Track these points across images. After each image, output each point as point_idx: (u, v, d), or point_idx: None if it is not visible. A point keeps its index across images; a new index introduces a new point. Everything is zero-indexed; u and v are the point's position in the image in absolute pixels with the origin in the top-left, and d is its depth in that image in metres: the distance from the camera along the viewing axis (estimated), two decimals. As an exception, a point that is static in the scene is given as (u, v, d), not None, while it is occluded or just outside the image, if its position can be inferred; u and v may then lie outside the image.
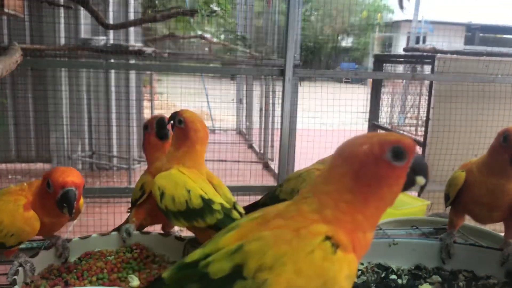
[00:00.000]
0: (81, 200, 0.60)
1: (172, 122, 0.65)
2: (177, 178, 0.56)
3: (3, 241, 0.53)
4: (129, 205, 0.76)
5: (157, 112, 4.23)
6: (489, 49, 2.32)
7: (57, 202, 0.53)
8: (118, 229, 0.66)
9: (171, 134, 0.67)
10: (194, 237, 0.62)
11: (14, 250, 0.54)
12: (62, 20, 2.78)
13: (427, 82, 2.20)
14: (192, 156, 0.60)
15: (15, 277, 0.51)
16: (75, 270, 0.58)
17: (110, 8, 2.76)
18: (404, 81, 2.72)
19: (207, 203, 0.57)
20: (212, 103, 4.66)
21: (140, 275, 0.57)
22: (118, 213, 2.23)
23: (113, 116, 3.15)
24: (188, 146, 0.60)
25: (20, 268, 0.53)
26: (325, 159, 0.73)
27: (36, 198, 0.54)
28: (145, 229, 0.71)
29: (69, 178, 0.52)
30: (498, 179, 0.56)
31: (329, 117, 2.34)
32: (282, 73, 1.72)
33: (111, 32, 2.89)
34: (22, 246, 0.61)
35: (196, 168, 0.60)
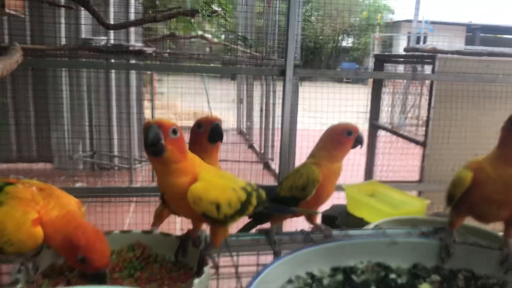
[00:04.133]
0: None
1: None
2: (216, 184, 0.54)
3: (3, 246, 0.51)
4: (130, 205, 0.76)
5: (158, 112, 4.22)
6: (489, 49, 2.32)
7: (83, 275, 0.53)
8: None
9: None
10: (187, 235, 0.61)
11: None
12: (62, 20, 2.78)
13: (427, 82, 2.20)
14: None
15: (18, 275, 0.51)
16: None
17: (111, 8, 2.76)
18: (405, 81, 2.71)
19: (245, 189, 0.57)
20: (212, 103, 4.66)
21: (142, 274, 0.58)
22: (120, 212, 2.23)
23: (114, 116, 3.15)
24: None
25: (23, 267, 0.53)
26: (314, 153, 0.72)
27: (55, 232, 0.52)
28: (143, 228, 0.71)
29: (107, 259, 0.52)
30: None
31: (330, 117, 2.34)
32: (282, 73, 1.72)
33: (111, 32, 2.89)
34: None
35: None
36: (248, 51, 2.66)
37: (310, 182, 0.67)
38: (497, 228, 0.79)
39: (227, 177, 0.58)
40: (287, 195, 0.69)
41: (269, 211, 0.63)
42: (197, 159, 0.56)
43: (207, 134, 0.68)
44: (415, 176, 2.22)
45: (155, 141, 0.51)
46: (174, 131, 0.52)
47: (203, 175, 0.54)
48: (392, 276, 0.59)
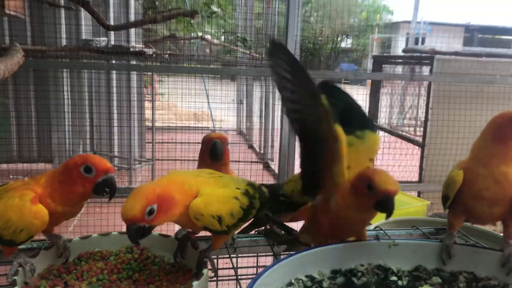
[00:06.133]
0: None
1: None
2: (217, 197, 0.53)
3: (13, 238, 0.51)
4: None
5: (158, 112, 4.23)
6: (488, 50, 2.33)
7: (96, 186, 0.54)
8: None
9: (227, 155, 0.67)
10: (187, 235, 0.61)
11: (14, 250, 0.54)
12: (63, 21, 2.79)
13: (425, 83, 2.21)
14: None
15: (15, 277, 0.51)
16: (74, 271, 0.58)
17: (111, 9, 2.77)
18: (403, 82, 2.72)
19: (248, 193, 0.56)
20: (212, 104, 4.66)
21: (140, 276, 0.58)
22: (119, 213, 2.21)
23: (115, 116, 3.14)
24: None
25: (20, 269, 0.53)
26: None
27: (54, 187, 0.53)
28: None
29: (110, 165, 0.54)
30: (507, 168, 0.54)
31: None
32: (282, 74, 1.72)
33: (112, 33, 2.90)
34: (22, 246, 0.60)
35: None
36: (248, 52, 2.66)
37: None
38: (498, 229, 0.78)
39: (228, 185, 0.57)
40: (287, 200, 0.69)
41: (272, 222, 0.62)
42: (193, 177, 0.54)
43: (208, 152, 0.68)
44: (415, 177, 2.22)
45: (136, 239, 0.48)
46: (150, 212, 0.47)
47: (202, 190, 0.53)
48: (393, 278, 0.59)
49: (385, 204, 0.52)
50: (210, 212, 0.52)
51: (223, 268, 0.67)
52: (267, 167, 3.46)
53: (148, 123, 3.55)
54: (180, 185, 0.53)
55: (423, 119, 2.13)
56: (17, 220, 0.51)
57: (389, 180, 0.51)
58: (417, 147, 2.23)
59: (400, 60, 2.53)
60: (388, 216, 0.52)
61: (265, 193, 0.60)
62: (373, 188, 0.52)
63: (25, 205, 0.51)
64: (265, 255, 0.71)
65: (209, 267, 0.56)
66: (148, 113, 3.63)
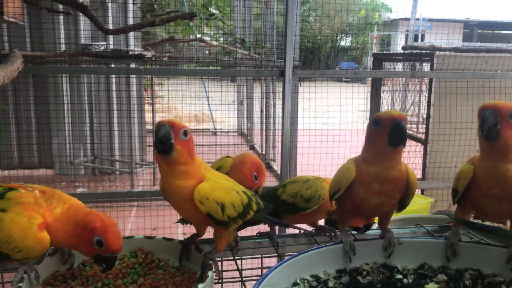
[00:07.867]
0: None
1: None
2: (222, 185, 0.55)
3: (10, 253, 0.52)
4: (131, 209, 0.75)
5: (158, 115, 4.24)
6: (487, 45, 2.32)
7: (97, 258, 0.54)
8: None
9: None
10: (192, 238, 0.61)
11: (12, 262, 0.54)
12: (62, 27, 2.81)
13: (426, 80, 2.20)
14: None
15: (20, 284, 0.51)
16: (80, 276, 0.58)
17: (109, 14, 2.78)
18: (404, 79, 2.71)
19: (246, 193, 0.58)
20: (213, 105, 4.67)
21: (145, 280, 0.57)
22: (121, 217, 2.22)
23: (115, 120, 3.15)
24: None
25: (25, 275, 0.53)
26: None
27: (63, 229, 0.53)
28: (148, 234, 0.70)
29: (121, 246, 0.54)
30: (499, 162, 0.53)
31: (330, 117, 2.33)
32: (282, 74, 1.72)
33: (110, 37, 2.91)
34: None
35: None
36: (247, 53, 2.66)
37: (316, 196, 0.68)
38: (502, 226, 0.78)
39: (231, 180, 0.59)
40: (289, 200, 0.69)
41: (265, 221, 0.63)
42: (204, 163, 0.57)
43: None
44: (418, 174, 2.22)
45: (164, 139, 0.51)
46: (185, 133, 0.52)
47: (209, 176, 0.55)
48: (398, 276, 0.58)
49: (397, 129, 0.52)
50: (214, 198, 0.53)
51: (228, 270, 0.67)
52: (269, 167, 3.46)
53: (149, 126, 3.55)
54: (197, 156, 0.56)
55: (425, 115, 2.12)
56: (18, 239, 0.51)
57: (389, 111, 0.57)
58: (419, 144, 2.22)
59: (400, 57, 2.52)
60: (397, 141, 0.52)
61: (260, 202, 0.61)
62: (378, 121, 0.53)
63: (31, 229, 0.51)
64: (270, 257, 0.70)
65: (213, 269, 0.56)
66: (148, 116, 3.64)
